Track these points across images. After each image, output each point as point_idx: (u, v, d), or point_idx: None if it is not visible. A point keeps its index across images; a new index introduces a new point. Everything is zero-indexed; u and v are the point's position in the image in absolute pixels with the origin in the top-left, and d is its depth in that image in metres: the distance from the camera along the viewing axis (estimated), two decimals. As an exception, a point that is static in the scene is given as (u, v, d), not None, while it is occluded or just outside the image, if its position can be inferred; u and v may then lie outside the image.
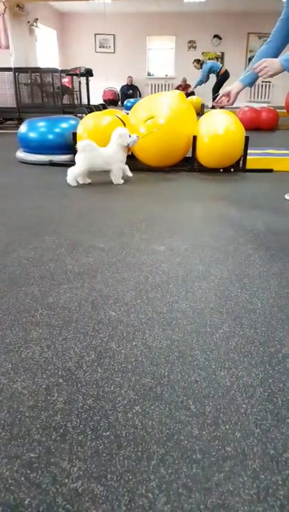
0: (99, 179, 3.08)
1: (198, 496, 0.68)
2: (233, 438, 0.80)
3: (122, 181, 3.07)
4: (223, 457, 0.76)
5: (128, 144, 3.00)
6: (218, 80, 9.72)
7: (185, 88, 12.66)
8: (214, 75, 9.73)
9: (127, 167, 3.11)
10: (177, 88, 12.80)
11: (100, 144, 2.99)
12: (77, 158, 2.96)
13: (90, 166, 2.97)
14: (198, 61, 9.98)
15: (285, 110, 8.63)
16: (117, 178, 3.06)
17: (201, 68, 9.66)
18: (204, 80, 9.77)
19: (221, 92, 2.44)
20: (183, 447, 0.78)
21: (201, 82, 9.82)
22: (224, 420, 0.84)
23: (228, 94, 2.38)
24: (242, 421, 0.84)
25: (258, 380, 0.97)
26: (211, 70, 9.61)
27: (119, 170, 3.04)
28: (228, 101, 2.39)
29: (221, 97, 2.42)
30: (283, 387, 0.94)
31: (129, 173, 3.14)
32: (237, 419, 0.85)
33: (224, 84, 9.64)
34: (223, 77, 9.58)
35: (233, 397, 0.91)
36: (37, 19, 11.63)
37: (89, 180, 3.07)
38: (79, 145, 2.92)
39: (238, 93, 2.37)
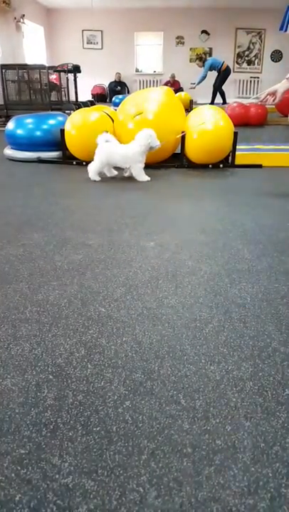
0: (87, 176, 3.06)
1: (188, 490, 0.69)
2: (224, 431, 0.80)
3: (146, 178, 3.07)
4: (213, 451, 0.76)
5: (154, 147, 3.01)
6: (219, 76, 9.64)
7: (173, 84, 12.63)
8: (214, 72, 9.64)
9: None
10: (166, 84, 12.77)
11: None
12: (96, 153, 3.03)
13: (108, 160, 3.01)
14: (200, 59, 9.93)
15: (273, 106, 8.66)
16: (139, 176, 3.06)
17: (204, 66, 9.61)
18: (205, 76, 9.70)
19: (268, 90, 2.40)
20: (173, 441, 0.78)
21: (203, 79, 9.75)
22: (214, 414, 0.85)
23: (273, 93, 2.35)
24: (232, 414, 0.85)
25: (247, 373, 0.97)
26: (212, 67, 9.55)
27: (138, 169, 3.05)
28: (273, 100, 2.36)
29: (266, 96, 2.39)
30: (273, 381, 0.95)
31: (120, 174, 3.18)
32: (227, 413, 0.85)
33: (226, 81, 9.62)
34: (225, 73, 9.52)
35: (223, 391, 0.91)
36: (24, 15, 11.53)
37: (115, 173, 3.18)
38: (97, 139, 2.97)
39: (284, 92, 2.33)
